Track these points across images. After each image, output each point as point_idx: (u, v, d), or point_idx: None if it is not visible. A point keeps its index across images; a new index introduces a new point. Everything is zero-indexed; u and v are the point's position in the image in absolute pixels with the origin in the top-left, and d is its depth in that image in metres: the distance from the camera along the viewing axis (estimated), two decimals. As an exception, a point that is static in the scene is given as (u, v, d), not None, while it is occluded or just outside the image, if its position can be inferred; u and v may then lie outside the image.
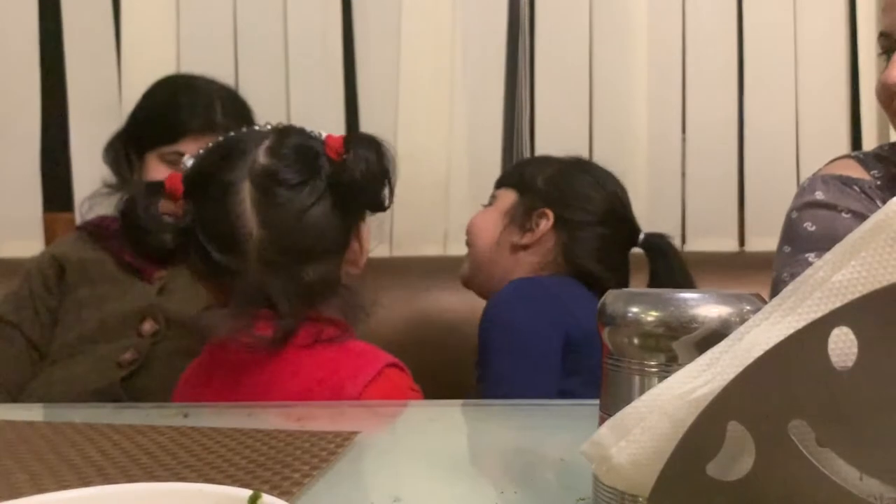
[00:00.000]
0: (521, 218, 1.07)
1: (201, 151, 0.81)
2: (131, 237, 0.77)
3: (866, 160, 0.85)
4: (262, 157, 0.78)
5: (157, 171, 1.13)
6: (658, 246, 1.10)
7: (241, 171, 0.77)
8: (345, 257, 0.81)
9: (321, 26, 1.54)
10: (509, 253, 1.08)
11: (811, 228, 0.82)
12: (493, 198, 1.14)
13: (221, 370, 0.79)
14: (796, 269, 0.78)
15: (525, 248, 1.07)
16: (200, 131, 1.12)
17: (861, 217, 0.78)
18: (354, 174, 0.77)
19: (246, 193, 0.76)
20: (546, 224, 1.05)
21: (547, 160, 1.16)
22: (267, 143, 0.79)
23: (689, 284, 1.06)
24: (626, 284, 1.09)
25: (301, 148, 0.79)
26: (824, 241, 0.79)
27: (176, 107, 1.15)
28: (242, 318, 0.75)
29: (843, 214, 0.80)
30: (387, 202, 0.82)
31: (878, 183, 0.82)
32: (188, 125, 1.13)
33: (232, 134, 0.83)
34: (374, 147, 0.79)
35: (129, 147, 1.17)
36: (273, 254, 0.75)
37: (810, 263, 0.73)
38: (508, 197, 1.11)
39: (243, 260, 0.75)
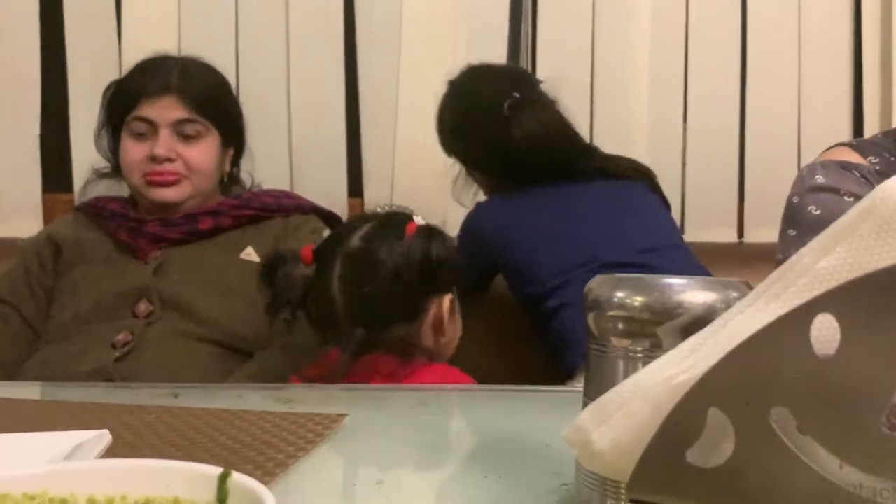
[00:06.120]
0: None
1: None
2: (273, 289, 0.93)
3: (862, 147, 0.84)
4: (355, 240, 0.92)
5: (127, 145, 1.14)
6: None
7: (338, 250, 0.92)
8: (421, 322, 0.92)
9: (323, 18, 1.53)
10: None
11: (816, 212, 0.80)
12: None
13: None
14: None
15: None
16: (156, 93, 1.13)
17: None
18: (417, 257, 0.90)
19: (336, 269, 0.90)
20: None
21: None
22: (365, 228, 0.93)
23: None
24: None
25: (385, 235, 0.92)
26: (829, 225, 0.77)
27: (131, 76, 1.18)
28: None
29: (846, 198, 0.79)
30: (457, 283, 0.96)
31: (878, 168, 0.81)
32: (143, 88, 1.14)
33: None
34: (435, 235, 0.93)
35: (110, 132, 1.19)
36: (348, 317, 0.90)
37: None
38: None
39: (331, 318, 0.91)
